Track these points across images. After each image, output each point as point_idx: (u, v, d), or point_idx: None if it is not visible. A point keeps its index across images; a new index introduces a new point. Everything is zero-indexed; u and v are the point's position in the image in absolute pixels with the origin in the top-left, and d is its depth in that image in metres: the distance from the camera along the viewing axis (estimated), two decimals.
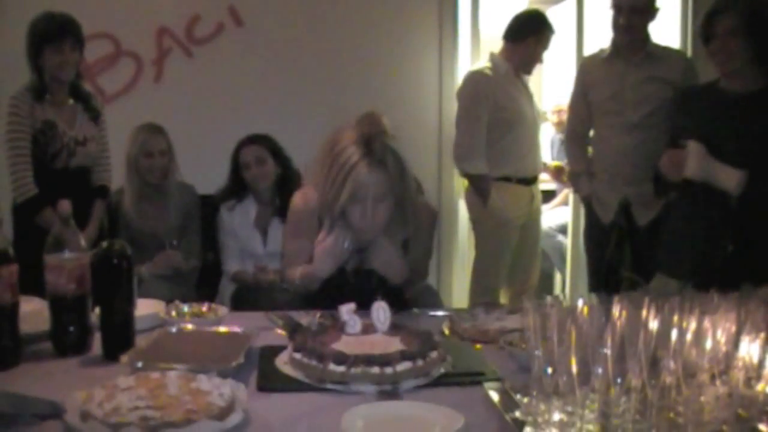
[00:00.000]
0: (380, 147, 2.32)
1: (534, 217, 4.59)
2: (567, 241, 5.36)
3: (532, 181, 4.47)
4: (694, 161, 2.80)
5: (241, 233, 4.06)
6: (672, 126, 3.17)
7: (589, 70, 3.97)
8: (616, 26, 3.75)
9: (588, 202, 3.99)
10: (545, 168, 5.06)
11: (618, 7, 3.72)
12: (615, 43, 3.82)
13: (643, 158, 3.54)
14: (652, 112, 3.62)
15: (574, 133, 4.11)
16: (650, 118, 3.62)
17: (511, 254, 4.45)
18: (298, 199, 2.63)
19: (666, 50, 3.93)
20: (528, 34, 4.38)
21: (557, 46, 4.71)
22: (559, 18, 5.58)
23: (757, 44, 2.83)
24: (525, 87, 4.50)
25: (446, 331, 2.07)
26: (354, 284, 2.48)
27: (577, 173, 4.08)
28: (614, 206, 3.75)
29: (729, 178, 2.74)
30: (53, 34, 3.56)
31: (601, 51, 3.92)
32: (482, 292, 4.44)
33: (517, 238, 4.43)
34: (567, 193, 5.60)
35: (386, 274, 2.46)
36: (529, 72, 4.53)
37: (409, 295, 2.59)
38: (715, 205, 2.82)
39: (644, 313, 1.34)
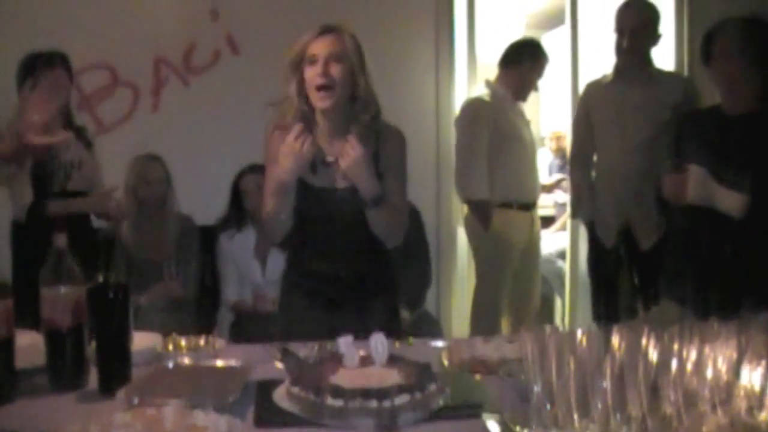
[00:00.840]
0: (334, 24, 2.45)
1: (534, 243, 4.59)
2: (566, 266, 5.35)
3: (531, 206, 4.47)
4: (695, 186, 2.79)
5: (240, 262, 4.06)
6: (675, 149, 3.17)
7: (592, 93, 4.00)
8: (619, 49, 3.78)
9: (591, 226, 3.99)
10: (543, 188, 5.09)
11: (620, 30, 3.75)
12: (617, 66, 3.85)
13: (646, 180, 3.54)
14: (654, 134, 3.62)
15: (577, 156, 4.11)
16: (652, 140, 3.62)
17: (511, 280, 4.44)
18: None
19: (667, 73, 3.96)
20: (522, 60, 4.41)
21: (553, 72, 4.74)
22: (555, 44, 5.61)
23: (756, 65, 2.83)
24: (522, 113, 4.52)
25: (445, 362, 2.06)
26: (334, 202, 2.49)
27: (580, 197, 4.08)
28: (614, 229, 3.75)
29: (731, 202, 2.73)
30: (45, 61, 3.58)
31: (604, 76, 3.95)
32: (483, 318, 4.43)
33: (517, 264, 4.43)
34: (566, 219, 5.59)
35: (358, 181, 2.42)
36: (524, 99, 4.55)
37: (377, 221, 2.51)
38: (716, 225, 2.80)
39: (644, 342, 1.33)
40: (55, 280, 1.87)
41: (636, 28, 3.73)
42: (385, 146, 2.53)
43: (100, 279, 1.89)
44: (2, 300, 1.80)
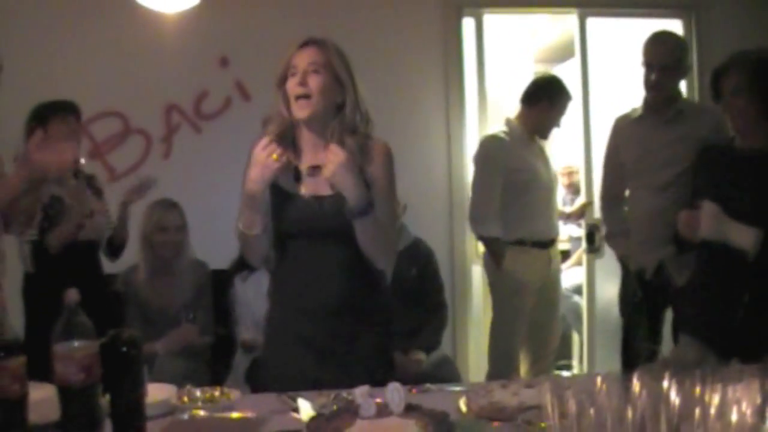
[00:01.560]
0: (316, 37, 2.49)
1: (552, 280, 4.56)
2: (582, 301, 5.31)
3: (548, 244, 4.45)
4: (708, 222, 2.77)
5: (254, 303, 4.05)
6: (693, 185, 3.14)
7: (620, 130, 3.97)
8: (647, 84, 3.76)
9: (623, 262, 3.95)
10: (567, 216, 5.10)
11: (649, 65, 3.73)
12: (646, 101, 3.82)
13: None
14: (683, 171, 3.51)
15: (609, 193, 4.09)
16: (682, 177, 3.52)
17: (527, 317, 4.41)
18: None
19: (697, 107, 3.94)
20: (541, 97, 4.42)
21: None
22: (564, 77, 5.62)
23: (764, 102, 2.82)
24: (541, 151, 4.52)
25: (463, 408, 2.03)
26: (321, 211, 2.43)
27: (615, 234, 4.05)
28: (651, 267, 3.71)
29: (745, 237, 2.70)
30: (53, 112, 3.61)
31: (633, 110, 3.92)
32: (501, 357, 4.40)
33: (534, 302, 4.40)
34: (581, 254, 5.56)
35: (343, 188, 2.35)
36: (545, 136, 4.55)
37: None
38: (731, 261, 2.77)
39: (665, 387, 1.31)
40: (67, 336, 1.86)
41: (664, 62, 3.70)
42: (371, 160, 2.48)
43: (113, 334, 1.88)
44: (15, 357, 1.79)
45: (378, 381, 2.00)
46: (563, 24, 6.52)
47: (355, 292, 2.50)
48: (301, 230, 2.49)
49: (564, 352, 5.64)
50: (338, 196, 2.40)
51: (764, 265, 2.69)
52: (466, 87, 5.11)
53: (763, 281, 2.71)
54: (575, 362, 5.73)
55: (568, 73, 6.37)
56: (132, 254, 4.05)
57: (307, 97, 2.41)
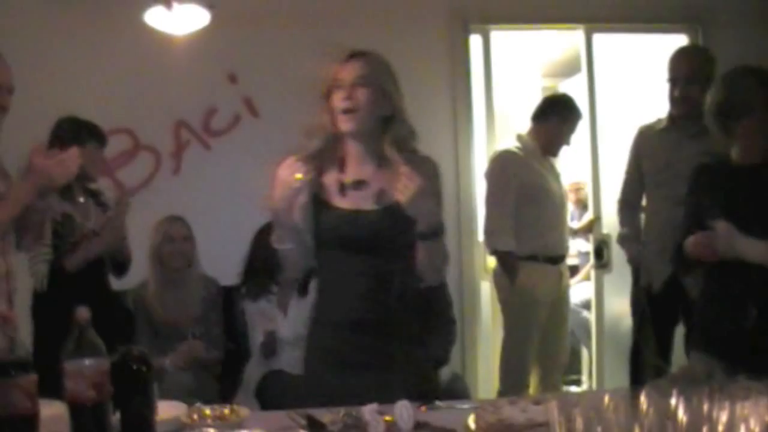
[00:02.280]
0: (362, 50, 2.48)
1: (562, 296, 4.58)
2: (591, 316, 5.31)
3: (559, 260, 4.46)
4: (724, 241, 2.76)
5: (266, 315, 4.08)
6: (692, 203, 3.13)
7: (644, 139, 3.97)
8: (672, 98, 3.77)
9: (636, 273, 3.95)
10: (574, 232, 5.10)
11: (674, 80, 3.74)
12: (671, 114, 3.83)
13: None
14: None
15: (627, 200, 4.10)
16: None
17: (539, 333, 4.41)
18: None
19: None
20: (551, 114, 4.45)
21: None
22: (571, 93, 5.63)
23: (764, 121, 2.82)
24: (552, 167, 4.55)
25: (471, 426, 2.03)
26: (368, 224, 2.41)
27: (627, 237, 4.05)
28: (663, 277, 3.70)
29: (760, 251, 2.70)
30: (78, 134, 3.63)
31: (658, 121, 3.93)
32: (511, 372, 4.40)
33: (544, 317, 4.40)
34: (589, 269, 5.56)
35: (419, 213, 2.31)
36: (554, 154, 4.58)
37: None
38: (743, 275, 2.77)
39: (673, 404, 1.31)
40: (77, 354, 1.87)
41: (689, 76, 3.69)
42: (417, 171, 2.39)
43: (124, 351, 1.89)
44: (27, 375, 1.80)
45: (418, 396, 1.99)
46: (570, 39, 6.54)
47: (391, 307, 2.48)
48: (341, 244, 2.47)
49: (573, 368, 5.63)
50: (382, 211, 2.40)
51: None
52: (473, 103, 5.12)
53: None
54: (585, 377, 5.72)
55: (574, 88, 6.40)
56: (141, 272, 4.06)
57: (353, 110, 2.40)
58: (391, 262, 2.43)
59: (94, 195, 3.87)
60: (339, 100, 2.42)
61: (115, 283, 4.08)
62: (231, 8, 4.56)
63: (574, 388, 5.56)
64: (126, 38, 4.55)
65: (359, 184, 2.46)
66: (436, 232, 2.36)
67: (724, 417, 1.30)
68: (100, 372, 1.88)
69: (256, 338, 4.11)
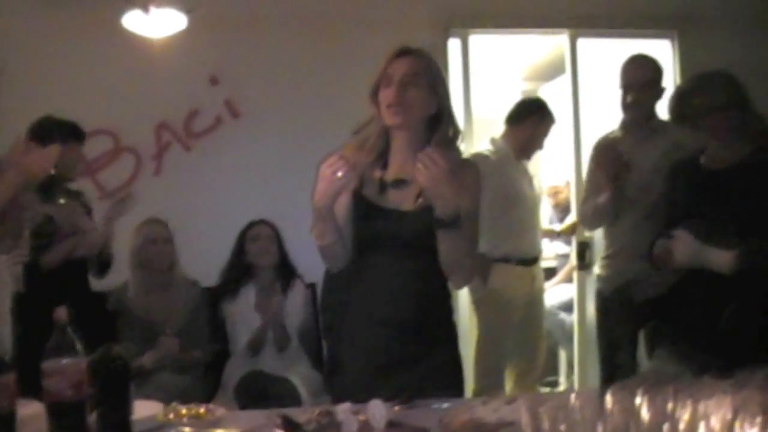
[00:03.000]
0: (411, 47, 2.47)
1: (537, 297, 4.63)
2: (569, 318, 5.35)
3: (532, 262, 4.51)
4: (682, 251, 2.82)
5: (246, 315, 4.11)
6: (667, 203, 3.17)
7: (599, 150, 4.01)
8: (625, 104, 3.81)
9: (598, 280, 3.98)
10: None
11: (626, 87, 3.78)
12: (624, 122, 3.88)
13: (653, 234, 3.55)
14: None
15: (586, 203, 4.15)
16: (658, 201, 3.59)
17: (513, 334, 4.46)
18: None
19: (669, 125, 3.97)
20: (525, 117, 4.49)
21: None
22: (553, 95, 5.66)
23: (735, 119, 2.86)
24: (525, 170, 4.58)
25: (444, 425, 2.06)
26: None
27: (587, 213, 4.07)
28: (620, 280, 3.75)
29: (722, 261, 2.74)
30: (57, 133, 3.63)
31: (612, 132, 3.97)
32: (486, 374, 4.44)
33: (518, 319, 4.45)
34: (568, 270, 5.60)
35: (436, 197, 2.29)
36: (527, 157, 4.62)
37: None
38: (710, 276, 2.80)
39: (638, 403, 1.34)
40: (57, 354, 1.89)
41: (642, 84, 3.76)
42: (462, 180, 2.42)
43: (102, 351, 1.91)
44: (5, 373, 1.82)
45: (451, 395, 2.01)
46: (551, 42, 6.58)
47: (428, 306, 2.49)
48: (380, 242, 2.47)
49: (551, 369, 5.67)
50: (421, 211, 2.40)
51: (742, 278, 2.73)
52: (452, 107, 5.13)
53: (741, 294, 2.74)
54: (562, 378, 5.77)
55: (556, 91, 6.42)
56: (122, 273, 4.06)
57: (400, 105, 2.41)
58: (429, 261, 2.43)
59: (75, 196, 3.87)
60: (387, 96, 2.42)
61: (96, 284, 4.09)
62: (213, 11, 4.57)
63: (551, 389, 5.60)
64: (107, 40, 4.54)
65: (400, 183, 2.48)
66: (453, 221, 2.32)
67: (686, 415, 1.33)
68: (79, 371, 1.90)
69: (237, 339, 4.13)
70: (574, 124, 5.14)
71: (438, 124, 2.46)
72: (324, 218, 2.40)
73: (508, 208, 4.35)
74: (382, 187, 2.49)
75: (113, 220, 3.89)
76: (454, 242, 2.37)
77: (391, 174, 2.50)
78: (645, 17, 5.21)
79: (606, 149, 3.71)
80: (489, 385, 4.31)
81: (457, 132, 2.52)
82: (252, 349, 4.07)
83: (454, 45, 5.16)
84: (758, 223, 2.72)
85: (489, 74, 6.56)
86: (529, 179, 4.58)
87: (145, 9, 4.12)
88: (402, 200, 2.46)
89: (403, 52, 2.47)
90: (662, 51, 5.19)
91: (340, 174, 2.29)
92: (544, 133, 4.56)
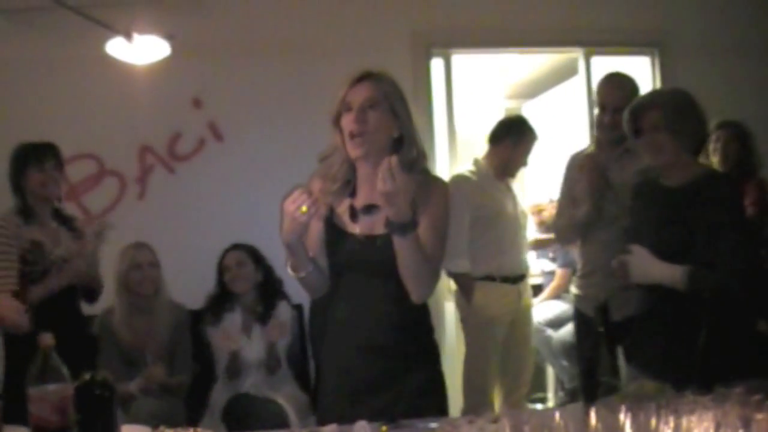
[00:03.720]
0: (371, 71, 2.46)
1: (523, 315, 4.65)
2: (556, 334, 5.36)
3: (517, 279, 4.52)
4: (638, 266, 2.83)
5: (228, 342, 4.11)
6: (629, 221, 3.19)
7: (574, 167, 4.03)
8: (601, 124, 3.82)
9: (576, 300, 3.98)
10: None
11: (602, 106, 3.79)
12: (598, 139, 3.90)
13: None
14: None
15: (560, 223, 4.17)
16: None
17: (499, 352, 4.47)
18: None
19: None
20: (504, 136, 4.52)
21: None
22: (535, 114, 5.72)
23: (683, 137, 2.89)
24: (508, 188, 4.60)
25: None
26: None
27: (561, 228, 4.10)
28: (597, 300, 3.75)
29: (675, 276, 2.75)
30: (36, 155, 3.63)
31: (587, 148, 3.99)
32: (474, 391, 4.44)
33: (504, 336, 4.46)
34: (555, 287, 5.62)
35: (391, 205, 2.26)
36: (511, 175, 4.64)
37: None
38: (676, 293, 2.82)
39: (621, 420, 1.35)
40: (42, 380, 1.88)
41: (618, 103, 3.76)
42: (426, 194, 2.45)
43: (87, 377, 1.91)
44: None
45: (433, 415, 2.03)
46: (533, 61, 6.64)
47: (404, 328, 2.49)
48: (353, 268, 2.49)
49: (539, 386, 5.68)
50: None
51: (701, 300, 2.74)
52: (435, 127, 5.17)
53: (712, 311, 2.75)
54: (550, 395, 5.77)
55: (538, 110, 6.49)
56: (107, 297, 4.04)
57: (361, 134, 2.40)
58: (401, 284, 2.43)
59: (66, 220, 3.84)
60: (348, 123, 2.42)
61: (85, 309, 4.07)
62: (195, 35, 4.59)
63: (539, 406, 5.60)
64: (90, 65, 4.55)
65: (370, 209, 2.47)
66: (406, 226, 2.31)
67: (669, 431, 1.34)
68: (64, 397, 1.90)
69: (221, 363, 4.13)
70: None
71: (399, 147, 2.46)
72: (295, 253, 2.43)
73: (489, 227, 4.38)
74: (353, 214, 2.49)
75: (94, 250, 3.84)
76: (409, 251, 2.36)
77: (360, 200, 2.51)
78: (626, 34, 5.27)
79: (592, 161, 3.71)
80: (477, 403, 4.31)
81: (420, 153, 2.51)
82: (228, 375, 4.08)
83: (437, 65, 5.18)
84: (711, 240, 2.74)
85: (472, 93, 6.60)
86: (513, 198, 4.60)
87: (128, 36, 4.13)
88: (373, 226, 2.46)
89: (363, 77, 2.46)
90: (642, 68, 5.27)
91: (304, 208, 2.30)
92: (525, 150, 4.58)
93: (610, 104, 3.76)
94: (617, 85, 3.83)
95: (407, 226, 2.31)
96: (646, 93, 3.33)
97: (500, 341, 4.47)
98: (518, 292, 4.54)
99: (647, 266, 2.82)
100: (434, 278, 2.52)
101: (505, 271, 4.45)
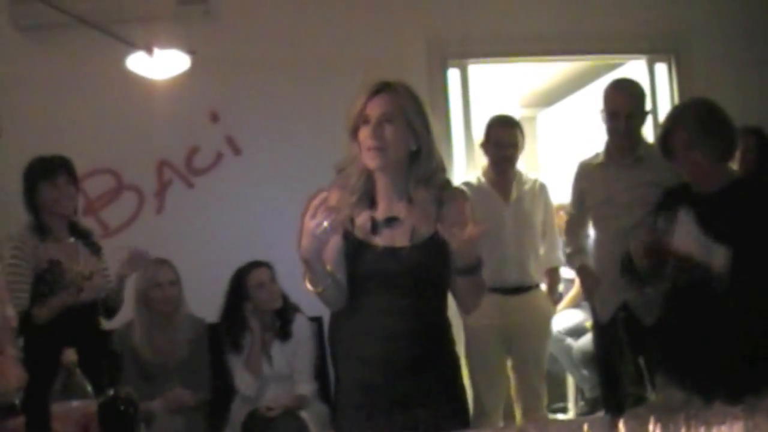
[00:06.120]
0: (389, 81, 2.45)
1: (528, 326, 4.49)
2: (576, 343, 5.33)
3: (519, 290, 4.43)
4: (685, 233, 2.78)
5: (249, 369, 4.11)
6: (650, 224, 3.17)
7: (584, 175, 4.01)
8: (614, 132, 3.79)
9: (593, 309, 3.96)
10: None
11: (614, 114, 3.76)
12: (608, 147, 3.87)
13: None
14: (646, 215, 3.55)
15: (571, 230, 4.15)
16: (645, 220, 3.58)
17: (511, 362, 4.41)
18: None
19: (656, 151, 3.98)
20: (485, 138, 4.48)
21: (550, 150, 4.78)
22: (550, 122, 5.70)
23: (714, 151, 2.90)
24: (506, 201, 4.48)
25: None
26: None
27: (572, 253, 4.10)
28: (613, 307, 3.73)
29: (717, 253, 2.73)
30: (47, 170, 3.63)
31: (596, 155, 3.96)
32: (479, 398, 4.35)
33: (508, 347, 4.41)
34: (575, 296, 5.59)
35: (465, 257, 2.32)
36: (502, 174, 4.53)
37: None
38: (702, 300, 2.80)
39: (650, 431, 1.34)
40: (65, 396, 1.88)
41: (627, 109, 3.74)
42: (449, 205, 2.46)
43: (110, 393, 1.91)
44: (14, 417, 1.81)
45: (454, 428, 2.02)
46: (549, 69, 6.63)
47: (424, 342, 2.46)
48: (374, 281, 2.46)
49: (559, 395, 5.65)
50: (414, 247, 2.40)
51: (737, 304, 2.72)
52: (453, 136, 5.17)
53: (737, 319, 2.73)
54: (571, 404, 5.73)
55: (553, 118, 6.47)
56: (127, 312, 4.05)
57: (380, 148, 2.39)
58: (426, 298, 2.44)
59: (83, 234, 3.83)
60: (366, 137, 2.41)
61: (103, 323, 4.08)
62: (212, 49, 4.60)
63: (560, 416, 5.56)
64: (109, 80, 4.57)
65: (391, 221, 2.45)
66: (476, 267, 2.37)
67: None
68: (87, 414, 1.90)
69: (242, 388, 4.11)
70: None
71: (418, 160, 2.45)
72: (313, 268, 2.39)
73: (490, 236, 4.30)
74: (374, 226, 2.47)
75: (125, 277, 3.83)
76: (472, 284, 2.43)
77: (381, 213, 2.48)
78: (641, 40, 5.25)
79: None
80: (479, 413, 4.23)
81: (439, 166, 2.50)
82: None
83: (453, 75, 5.18)
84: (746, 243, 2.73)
85: (488, 102, 6.59)
86: (514, 207, 4.51)
87: (149, 51, 4.14)
88: (394, 238, 2.44)
89: (380, 89, 2.45)
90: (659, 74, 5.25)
91: (325, 224, 2.27)
92: (495, 144, 4.47)
93: (622, 111, 3.74)
94: (628, 92, 3.82)
95: (476, 268, 2.36)
96: (671, 111, 3.31)
97: (501, 352, 4.42)
98: (519, 303, 4.42)
99: (695, 236, 2.77)
100: (484, 290, 2.54)
101: (503, 283, 4.32)
